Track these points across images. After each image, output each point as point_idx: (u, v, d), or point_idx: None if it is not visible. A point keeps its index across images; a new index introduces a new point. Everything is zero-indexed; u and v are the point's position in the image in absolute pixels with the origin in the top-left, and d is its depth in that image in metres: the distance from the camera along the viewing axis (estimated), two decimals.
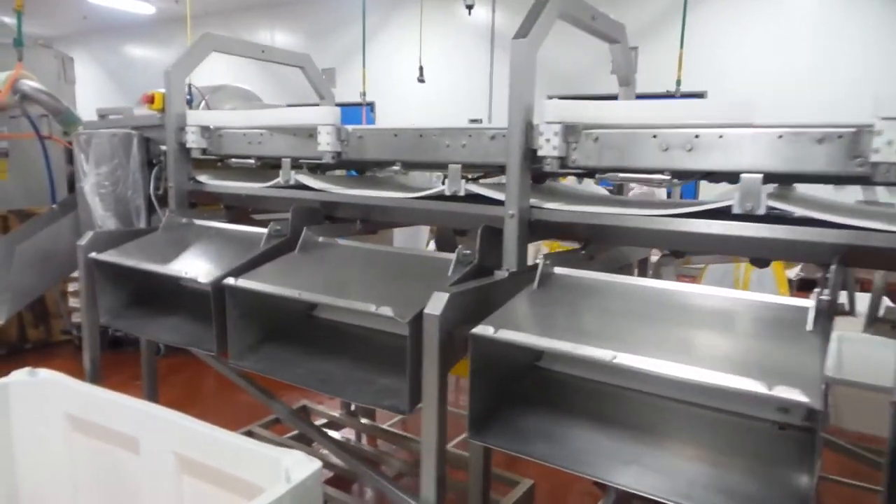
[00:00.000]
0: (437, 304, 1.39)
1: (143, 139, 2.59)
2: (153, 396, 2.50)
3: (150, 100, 2.50)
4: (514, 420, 1.41)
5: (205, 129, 2.43)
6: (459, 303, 1.42)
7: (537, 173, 1.71)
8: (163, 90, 2.51)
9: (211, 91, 8.76)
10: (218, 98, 8.76)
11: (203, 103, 8.47)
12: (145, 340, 2.46)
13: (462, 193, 1.82)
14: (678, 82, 5.68)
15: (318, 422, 3.30)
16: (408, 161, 1.95)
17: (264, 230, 2.14)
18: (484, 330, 1.28)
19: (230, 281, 1.71)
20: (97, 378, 2.32)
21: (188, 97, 8.40)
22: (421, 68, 7.32)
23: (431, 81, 8.32)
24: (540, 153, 1.60)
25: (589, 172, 1.73)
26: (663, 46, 10.26)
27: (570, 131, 1.60)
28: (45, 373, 2.25)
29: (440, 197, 1.87)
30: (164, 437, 1.97)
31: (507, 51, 1.57)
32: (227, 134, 2.38)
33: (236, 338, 1.78)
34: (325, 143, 2.03)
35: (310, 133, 2.13)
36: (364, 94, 7.81)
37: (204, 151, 2.46)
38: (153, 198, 2.60)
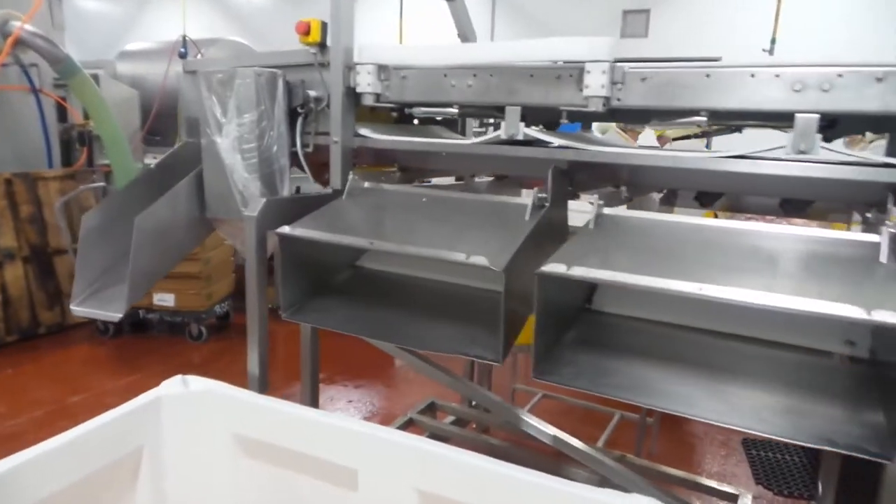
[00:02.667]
0: None
1: (286, 82, 2.04)
2: (314, 404, 2.01)
3: (305, 30, 1.95)
4: None
5: (382, 70, 1.91)
6: None
7: None
8: (320, 19, 1.97)
9: (206, 44, 7.97)
10: (214, 51, 8.00)
11: (199, 56, 7.69)
12: (310, 334, 1.95)
13: (816, 155, 1.40)
14: (773, 41, 5.31)
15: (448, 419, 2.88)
16: (723, 110, 1.51)
17: (505, 197, 1.68)
18: None
19: (557, 267, 1.24)
20: (266, 387, 1.81)
21: (182, 50, 7.60)
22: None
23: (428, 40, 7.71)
24: None
25: None
26: (679, 10, 9.94)
27: None
28: (199, 382, 1.73)
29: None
30: (399, 467, 1.51)
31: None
32: (416, 75, 1.87)
33: (546, 343, 1.32)
34: (598, 86, 1.57)
35: (557, 74, 1.67)
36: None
37: (377, 98, 1.94)
38: (301, 156, 2.07)
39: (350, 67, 1.93)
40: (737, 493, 2.24)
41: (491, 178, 2.63)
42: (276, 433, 1.65)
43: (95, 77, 6.69)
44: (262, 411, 1.67)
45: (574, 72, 1.64)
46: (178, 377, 1.74)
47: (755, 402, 1.26)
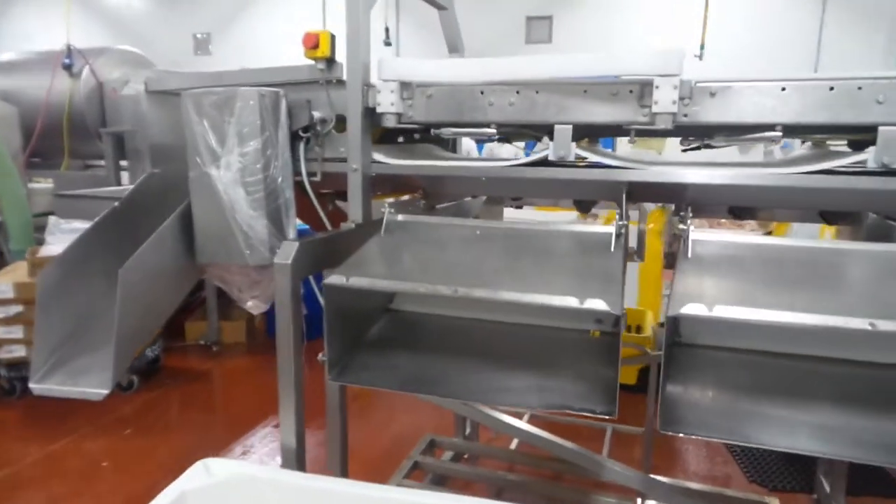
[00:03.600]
0: None
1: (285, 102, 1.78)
2: (344, 470, 1.74)
3: (314, 44, 1.70)
4: None
5: (405, 87, 1.70)
6: None
7: None
8: (329, 30, 1.72)
9: (94, 54, 7.23)
10: (103, 62, 7.26)
11: (87, 68, 6.98)
12: (338, 392, 1.68)
13: None
14: (702, 46, 5.51)
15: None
16: (801, 125, 1.45)
17: (567, 226, 1.53)
18: None
19: (696, 309, 1.11)
20: (304, 462, 1.54)
21: (66, 60, 6.87)
22: (387, 29, 6.47)
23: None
24: None
25: None
26: (580, 16, 10.30)
27: None
28: (225, 467, 1.44)
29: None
30: None
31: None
32: (445, 93, 1.68)
33: (666, 388, 1.19)
34: (669, 102, 1.47)
35: (615, 90, 1.55)
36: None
37: (399, 119, 1.73)
38: (308, 187, 1.80)
39: (368, 85, 1.71)
40: (765, 501, 2.24)
41: (484, 198, 2.48)
42: None
43: None
44: (311, 493, 1.41)
45: (634, 87, 1.53)
46: (199, 464, 1.43)
47: None
